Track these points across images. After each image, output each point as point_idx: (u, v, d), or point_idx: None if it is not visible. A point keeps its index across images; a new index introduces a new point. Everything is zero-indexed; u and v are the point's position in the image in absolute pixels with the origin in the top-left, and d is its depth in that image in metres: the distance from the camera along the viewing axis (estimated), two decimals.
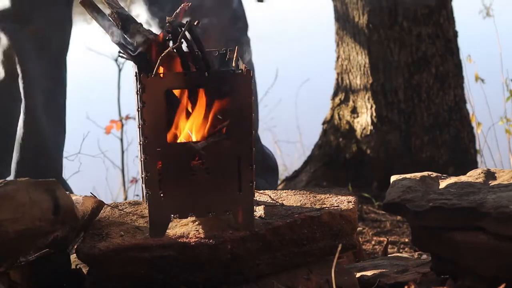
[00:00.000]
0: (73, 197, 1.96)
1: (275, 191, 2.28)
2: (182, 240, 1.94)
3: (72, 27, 2.73)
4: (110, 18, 1.93)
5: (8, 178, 2.71)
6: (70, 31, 2.72)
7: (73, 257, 2.09)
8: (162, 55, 1.89)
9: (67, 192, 1.87)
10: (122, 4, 1.97)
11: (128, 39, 1.95)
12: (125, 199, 4.68)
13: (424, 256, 2.39)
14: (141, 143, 1.96)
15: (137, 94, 1.99)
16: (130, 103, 2.98)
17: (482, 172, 2.08)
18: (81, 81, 2.91)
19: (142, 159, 1.94)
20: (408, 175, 2.11)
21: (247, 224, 1.96)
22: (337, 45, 4.25)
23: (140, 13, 2.92)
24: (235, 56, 2.04)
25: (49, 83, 2.68)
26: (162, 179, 1.92)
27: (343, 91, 4.22)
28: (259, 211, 2.06)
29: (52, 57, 2.67)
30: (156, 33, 1.98)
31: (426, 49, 4.04)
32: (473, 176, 2.07)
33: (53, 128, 2.69)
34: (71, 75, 3.29)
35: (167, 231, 1.96)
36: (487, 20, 6.22)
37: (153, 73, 1.87)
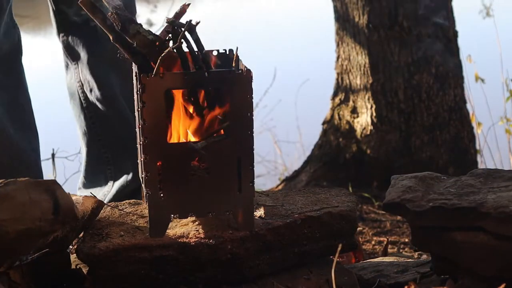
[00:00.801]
0: (73, 197, 1.96)
1: (275, 191, 2.28)
2: (182, 240, 1.94)
3: (18, 29, 2.67)
4: (110, 19, 1.93)
5: None
6: (18, 34, 2.65)
7: (73, 257, 2.09)
8: (162, 55, 1.89)
9: (67, 192, 1.87)
10: None
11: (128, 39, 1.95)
12: None
13: (424, 256, 2.40)
14: (141, 143, 1.96)
15: (137, 94, 1.99)
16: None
17: (482, 172, 2.08)
18: None
19: (142, 159, 1.94)
20: (408, 175, 2.11)
21: (247, 224, 1.96)
22: (337, 45, 4.25)
23: (140, 14, 2.92)
24: (235, 56, 2.04)
25: (7, 93, 2.61)
26: (162, 179, 1.92)
27: (343, 91, 4.22)
28: (259, 211, 2.06)
29: (5, 65, 2.60)
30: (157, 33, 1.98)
31: (426, 49, 4.04)
32: (473, 176, 2.07)
33: (24, 137, 2.64)
34: None
35: (167, 231, 1.96)
36: (487, 20, 6.22)
37: (153, 73, 1.87)
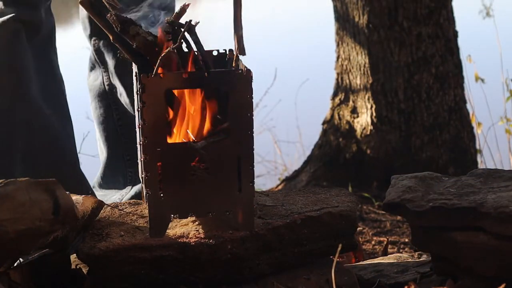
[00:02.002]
0: (73, 197, 1.96)
1: (275, 191, 2.28)
2: (182, 240, 1.94)
3: (53, 18, 2.70)
4: (109, 20, 1.92)
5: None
6: (53, 23, 2.68)
7: (73, 257, 2.09)
8: (162, 55, 1.89)
9: (67, 192, 1.87)
10: None
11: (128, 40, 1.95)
12: None
13: (424, 256, 2.39)
14: (141, 143, 1.96)
15: (137, 94, 1.99)
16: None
17: (482, 172, 2.08)
18: (81, 81, 2.91)
19: (142, 159, 1.95)
20: (408, 175, 2.11)
21: (247, 224, 1.95)
22: (337, 45, 4.25)
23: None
24: (235, 56, 2.04)
25: (41, 77, 2.62)
26: (162, 179, 1.92)
27: (343, 91, 4.22)
28: (259, 211, 2.06)
29: (41, 48, 2.62)
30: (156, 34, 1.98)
31: (426, 49, 4.04)
32: (473, 176, 2.07)
33: (58, 122, 2.64)
34: (72, 75, 3.28)
35: (167, 231, 1.96)
36: (487, 20, 6.22)
37: (153, 73, 1.87)
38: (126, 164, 2.82)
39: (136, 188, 2.78)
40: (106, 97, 2.79)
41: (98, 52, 2.77)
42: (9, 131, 2.51)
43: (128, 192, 2.79)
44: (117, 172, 2.84)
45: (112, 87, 2.78)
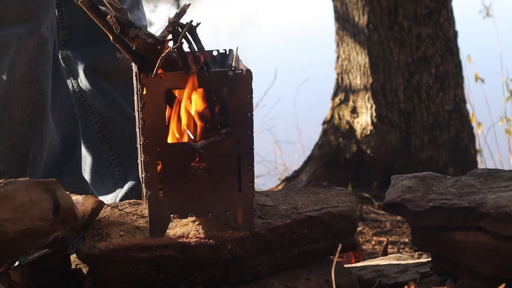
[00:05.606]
0: (73, 197, 1.96)
1: (275, 191, 2.28)
2: (182, 240, 1.94)
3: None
4: (109, 22, 1.92)
5: None
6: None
7: (73, 257, 2.09)
8: (162, 55, 1.89)
9: (67, 192, 1.87)
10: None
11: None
12: None
13: (424, 256, 2.40)
14: (141, 143, 1.96)
15: (137, 94, 1.99)
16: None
17: (482, 172, 2.08)
18: None
19: (142, 159, 1.95)
20: (408, 175, 2.11)
21: (247, 224, 1.96)
22: (337, 45, 4.26)
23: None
24: (235, 56, 2.04)
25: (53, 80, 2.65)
26: (162, 179, 1.92)
27: (343, 91, 4.22)
28: (259, 211, 2.06)
29: (52, 47, 2.64)
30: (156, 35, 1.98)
31: (426, 49, 4.05)
32: (473, 176, 2.07)
33: (58, 132, 2.65)
34: None
35: (167, 231, 1.96)
36: (487, 20, 6.22)
37: (153, 73, 1.87)
38: (112, 164, 2.83)
39: (126, 186, 2.78)
40: (80, 104, 2.80)
41: (65, 60, 2.79)
42: (27, 143, 2.53)
43: (118, 194, 2.79)
44: (105, 174, 2.84)
45: (83, 92, 2.79)
